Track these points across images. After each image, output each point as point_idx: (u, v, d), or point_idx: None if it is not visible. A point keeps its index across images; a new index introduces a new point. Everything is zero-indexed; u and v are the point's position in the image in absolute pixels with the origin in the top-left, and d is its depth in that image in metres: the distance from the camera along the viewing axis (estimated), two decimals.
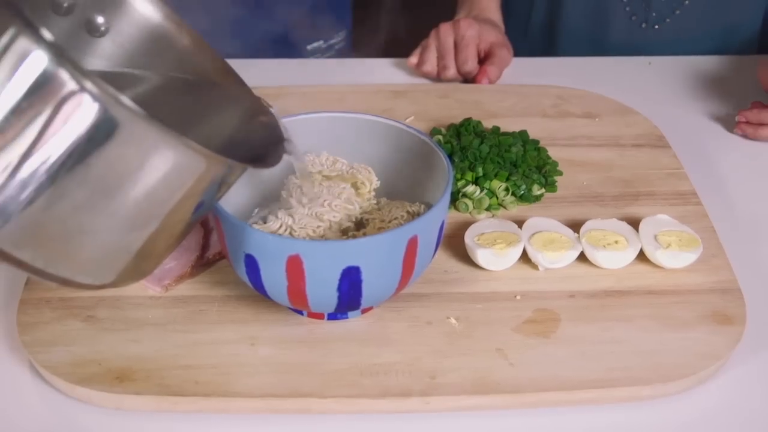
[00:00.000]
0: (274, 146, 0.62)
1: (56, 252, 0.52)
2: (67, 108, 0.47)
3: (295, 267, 0.61)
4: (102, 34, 0.62)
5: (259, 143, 0.62)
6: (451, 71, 1.05)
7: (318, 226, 0.68)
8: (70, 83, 0.46)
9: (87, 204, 0.50)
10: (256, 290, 0.66)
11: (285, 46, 1.19)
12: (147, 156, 0.50)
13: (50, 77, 0.46)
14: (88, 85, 0.47)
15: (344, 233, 0.69)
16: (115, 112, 0.48)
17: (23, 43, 0.46)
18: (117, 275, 0.56)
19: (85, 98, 0.47)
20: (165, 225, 0.55)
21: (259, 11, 1.17)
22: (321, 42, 1.24)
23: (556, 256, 0.74)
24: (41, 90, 0.47)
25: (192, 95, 0.64)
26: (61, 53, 0.46)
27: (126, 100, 0.47)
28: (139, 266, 0.57)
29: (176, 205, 0.54)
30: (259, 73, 1.04)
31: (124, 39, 0.63)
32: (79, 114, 0.47)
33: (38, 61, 0.46)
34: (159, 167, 0.51)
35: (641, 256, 0.75)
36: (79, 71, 0.46)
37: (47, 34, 0.46)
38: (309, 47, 1.23)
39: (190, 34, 0.64)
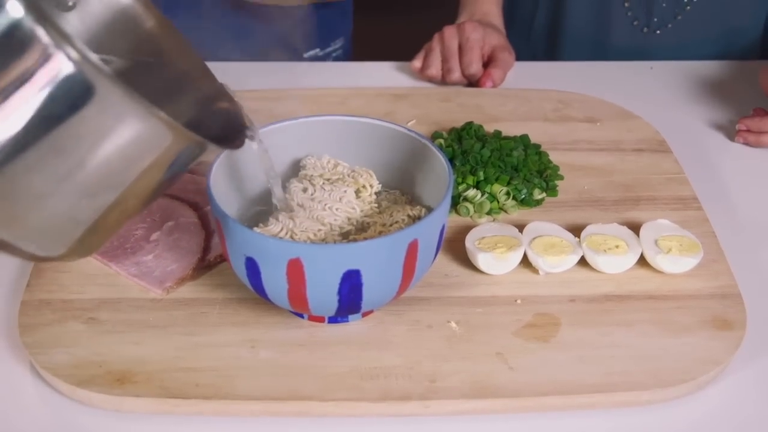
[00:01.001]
0: (237, 130, 0.61)
1: (1, 212, 0.50)
2: (33, 61, 0.45)
3: (295, 270, 0.61)
4: (69, 9, 0.61)
5: (220, 127, 0.61)
6: (456, 74, 1.05)
7: (319, 230, 0.68)
8: (41, 36, 0.45)
9: (40, 165, 0.49)
10: (256, 293, 0.66)
11: (281, 55, 1.18)
12: (112, 122, 0.49)
13: (20, 28, 0.45)
14: (59, 40, 0.45)
15: (345, 236, 0.69)
16: (84, 71, 0.46)
17: None
18: (66, 248, 0.54)
19: (55, 54, 0.45)
20: (120, 198, 0.53)
21: (255, 19, 1.17)
22: (317, 50, 1.24)
23: (556, 261, 0.74)
24: (9, 40, 0.45)
25: (154, 79, 0.63)
26: (34, 5, 0.45)
27: (97, 60, 0.46)
28: (87, 240, 0.55)
29: (135, 178, 0.52)
30: (261, 76, 1.05)
31: (90, 16, 0.61)
32: (46, 70, 0.46)
33: (12, 10, 0.45)
34: (122, 135, 0.49)
35: (642, 261, 0.75)
36: (51, 24, 0.45)
37: None
38: (306, 55, 1.23)
39: (157, 17, 0.62)
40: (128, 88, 0.47)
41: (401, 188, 0.75)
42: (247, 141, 0.63)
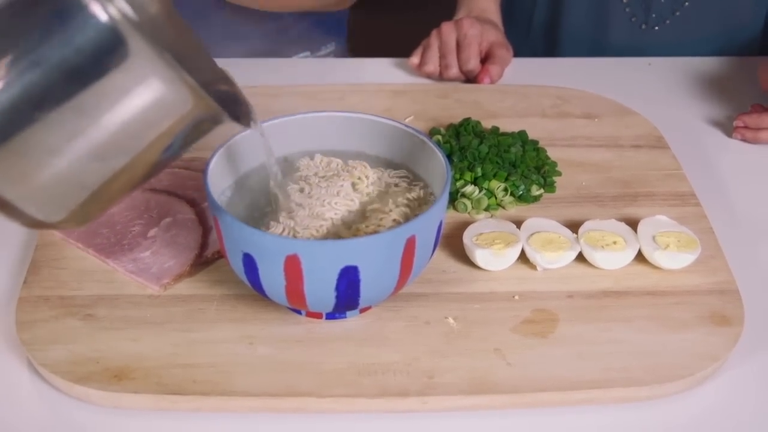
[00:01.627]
0: (242, 110, 0.61)
1: (9, 169, 0.49)
2: (68, 12, 0.45)
3: (293, 267, 0.61)
4: None
5: (226, 106, 0.61)
6: (454, 70, 1.05)
7: (321, 225, 0.68)
8: None
9: (59, 121, 0.48)
10: (254, 290, 0.66)
11: (269, 56, 1.17)
12: (137, 81, 0.48)
13: None
14: None
15: (348, 227, 0.69)
16: (119, 25, 0.45)
17: None
18: (66, 212, 0.53)
19: (91, 5, 0.45)
20: (129, 164, 0.52)
21: (243, 21, 1.16)
22: (308, 53, 1.23)
23: (554, 257, 0.74)
24: None
25: None
26: None
27: (134, 15, 0.45)
28: (88, 207, 0.54)
29: (148, 143, 0.51)
30: (259, 73, 1.05)
31: None
32: (80, 21, 0.45)
33: None
34: (145, 96, 0.48)
35: (639, 257, 0.75)
36: None
37: None
38: (295, 57, 1.22)
39: (163, 2, 0.61)
40: (160, 48, 0.46)
41: (399, 185, 0.75)
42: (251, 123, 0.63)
